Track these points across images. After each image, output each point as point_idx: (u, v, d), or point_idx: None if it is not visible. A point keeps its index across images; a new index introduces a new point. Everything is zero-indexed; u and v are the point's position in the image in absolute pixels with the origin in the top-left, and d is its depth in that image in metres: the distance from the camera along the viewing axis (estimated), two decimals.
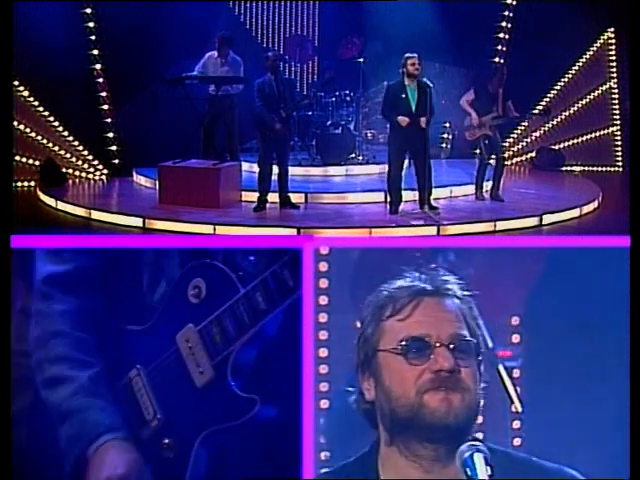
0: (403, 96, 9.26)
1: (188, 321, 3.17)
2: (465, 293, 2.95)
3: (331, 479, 3.03)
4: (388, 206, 9.71)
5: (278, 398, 3.28)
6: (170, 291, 3.23)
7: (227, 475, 3.24)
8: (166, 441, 3.14)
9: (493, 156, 10.51)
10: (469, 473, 2.70)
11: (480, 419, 2.94)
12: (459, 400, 2.82)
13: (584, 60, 13.65)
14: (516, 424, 3.36)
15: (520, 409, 3.36)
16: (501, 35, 13.34)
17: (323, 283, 3.32)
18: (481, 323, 2.95)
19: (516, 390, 3.37)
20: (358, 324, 3.37)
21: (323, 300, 3.33)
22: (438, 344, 2.84)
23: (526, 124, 13.65)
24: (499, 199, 10.48)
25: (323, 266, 3.31)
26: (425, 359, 2.84)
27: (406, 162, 9.96)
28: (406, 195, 9.71)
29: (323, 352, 3.33)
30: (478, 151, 10.47)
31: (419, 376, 2.83)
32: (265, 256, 3.17)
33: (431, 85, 9.31)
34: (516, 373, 3.36)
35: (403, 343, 2.86)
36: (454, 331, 2.87)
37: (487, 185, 10.64)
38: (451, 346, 2.84)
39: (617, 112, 13.78)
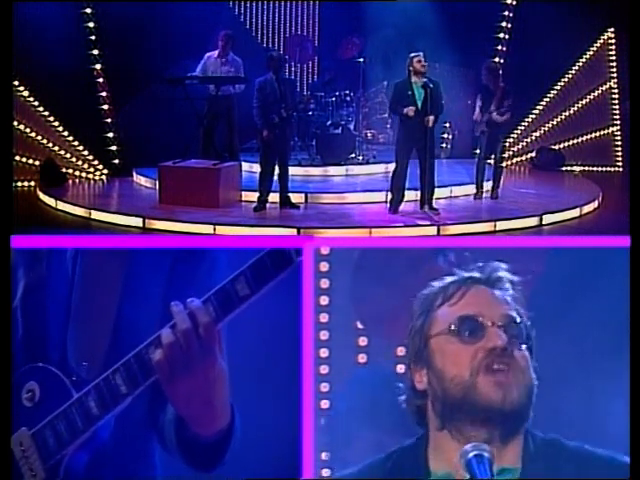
0: (410, 93, 9.29)
1: (22, 424, 3.14)
2: (515, 280, 2.95)
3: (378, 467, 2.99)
4: (388, 205, 9.72)
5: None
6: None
7: None
8: None
9: (491, 155, 10.54)
10: (472, 475, 2.70)
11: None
12: (513, 381, 2.81)
13: (584, 60, 13.66)
14: None
15: None
16: (501, 35, 13.35)
17: (324, 283, 3.32)
18: (525, 316, 2.95)
19: None
20: (359, 324, 3.38)
21: (324, 300, 3.32)
22: (490, 323, 2.85)
23: (526, 124, 13.65)
24: (497, 198, 10.51)
25: (324, 266, 3.31)
26: (479, 338, 2.84)
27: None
28: (406, 195, 9.71)
29: (324, 352, 3.33)
30: (484, 147, 10.52)
31: (473, 355, 2.83)
32: (99, 362, 3.12)
33: (435, 82, 9.34)
34: None
35: (457, 323, 2.87)
36: (505, 312, 2.87)
37: (487, 185, 10.66)
38: (503, 327, 2.84)
39: (617, 112, 13.78)
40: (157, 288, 3.18)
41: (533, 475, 2.84)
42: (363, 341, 3.38)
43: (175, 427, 3.10)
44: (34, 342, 3.23)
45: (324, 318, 3.33)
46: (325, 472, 3.30)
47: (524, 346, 2.88)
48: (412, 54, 9.41)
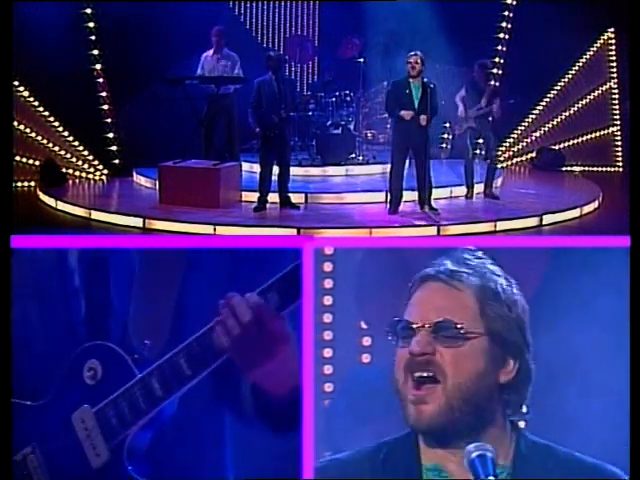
0: (407, 92, 9.29)
1: (84, 402, 3.15)
2: (474, 280, 2.90)
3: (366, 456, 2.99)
4: (388, 206, 9.72)
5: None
6: (65, 371, 3.20)
7: None
8: None
9: (483, 153, 10.55)
10: (475, 475, 2.70)
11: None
12: (432, 396, 2.81)
13: (584, 60, 13.66)
14: (521, 424, 3.35)
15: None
16: (501, 35, 13.34)
17: (328, 283, 3.32)
18: (522, 314, 2.91)
19: None
20: (363, 324, 3.38)
21: (327, 300, 3.32)
22: (419, 327, 2.85)
23: (526, 124, 13.65)
24: (494, 197, 10.51)
25: (328, 266, 3.31)
26: (409, 343, 2.86)
27: (407, 162, 9.96)
28: (406, 195, 9.71)
29: (328, 352, 3.33)
30: (470, 146, 10.50)
31: (402, 359, 2.87)
32: (160, 343, 3.15)
33: (434, 84, 9.35)
34: None
35: (398, 327, 2.89)
36: (442, 316, 2.85)
37: (479, 187, 10.65)
38: (432, 330, 2.83)
39: (617, 112, 13.78)
40: (219, 277, 3.21)
41: (523, 476, 2.84)
42: (367, 341, 3.38)
43: (252, 396, 3.14)
44: (96, 320, 3.26)
45: (328, 318, 3.33)
46: None
47: (457, 345, 2.83)
48: (410, 54, 9.42)
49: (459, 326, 2.85)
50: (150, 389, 3.05)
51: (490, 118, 10.48)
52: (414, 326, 2.87)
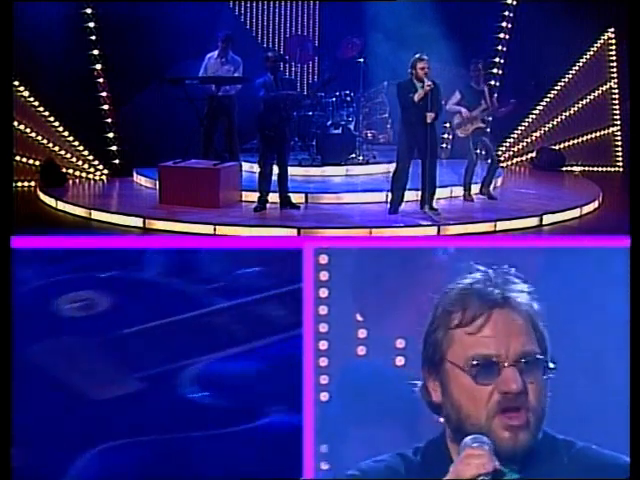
0: (411, 95, 9.27)
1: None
2: (535, 305, 2.91)
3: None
4: (388, 205, 9.71)
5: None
6: None
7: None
8: None
9: (484, 154, 10.54)
10: None
11: None
12: (524, 425, 2.82)
13: (584, 60, 13.65)
14: None
15: None
16: (501, 35, 13.34)
17: (323, 276, 3.32)
18: (545, 332, 2.91)
19: None
20: (358, 317, 3.38)
21: (323, 293, 3.33)
22: (506, 364, 2.83)
23: (526, 124, 13.65)
24: (490, 196, 10.50)
25: (323, 259, 3.32)
26: (493, 379, 2.83)
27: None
28: (406, 195, 9.70)
29: (323, 345, 3.34)
30: (472, 147, 10.47)
31: (488, 397, 2.83)
32: None
33: (437, 83, 9.34)
34: None
35: (473, 362, 2.84)
36: (523, 348, 2.84)
37: (475, 188, 10.64)
38: (519, 364, 2.83)
39: (617, 112, 13.77)
40: None
41: (537, 473, 2.85)
42: (362, 333, 3.39)
43: None
44: None
45: (323, 310, 3.34)
46: (324, 465, 3.31)
47: (541, 377, 2.86)
48: (417, 56, 9.37)
49: (540, 357, 2.86)
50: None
51: (490, 118, 10.49)
52: (501, 362, 2.83)
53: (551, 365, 2.88)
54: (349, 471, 2.96)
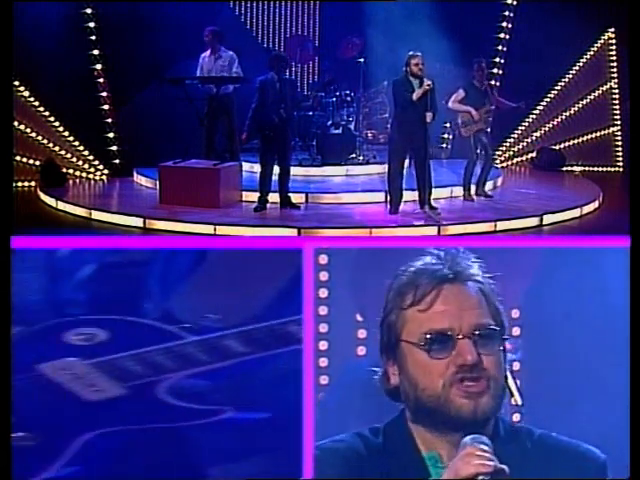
0: (408, 93, 9.27)
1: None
2: (487, 276, 2.93)
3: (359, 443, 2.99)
4: (388, 206, 9.72)
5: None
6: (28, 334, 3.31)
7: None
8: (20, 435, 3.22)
9: (483, 153, 10.54)
10: None
11: None
12: (484, 392, 2.83)
13: (584, 60, 13.65)
14: (516, 417, 3.37)
15: (520, 402, 3.37)
16: (501, 35, 13.35)
17: (323, 276, 3.33)
18: (501, 307, 2.92)
19: (516, 383, 3.37)
20: (359, 317, 3.38)
21: (323, 293, 3.33)
22: (460, 336, 2.84)
23: (526, 124, 13.66)
24: (486, 195, 10.50)
25: (323, 259, 3.32)
26: (448, 352, 2.84)
27: (406, 162, 9.95)
28: (406, 195, 9.71)
29: (323, 345, 3.34)
30: (473, 147, 10.45)
31: (444, 370, 2.84)
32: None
33: (433, 81, 9.33)
34: (516, 366, 3.37)
35: (426, 337, 2.86)
36: (476, 320, 2.86)
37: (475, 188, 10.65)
38: (474, 336, 2.84)
39: (617, 112, 13.78)
40: None
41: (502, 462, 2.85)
42: (362, 333, 3.39)
43: None
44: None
45: (323, 311, 3.34)
46: None
47: (497, 349, 2.87)
48: (410, 53, 9.38)
49: (494, 329, 2.87)
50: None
51: (490, 118, 10.48)
52: (455, 335, 2.85)
53: (506, 337, 2.90)
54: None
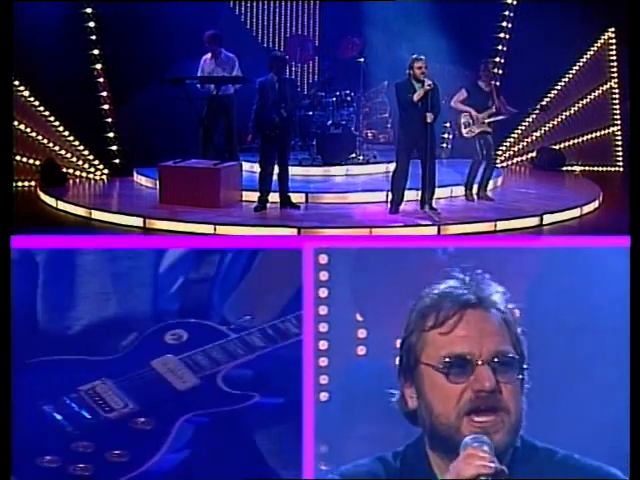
0: (410, 94, 9.27)
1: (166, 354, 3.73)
2: (510, 306, 2.92)
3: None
4: (389, 205, 9.72)
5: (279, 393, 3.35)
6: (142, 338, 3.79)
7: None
8: (141, 420, 3.56)
9: (485, 154, 10.52)
10: None
11: None
12: (499, 429, 2.82)
13: (584, 60, 13.65)
14: None
15: None
16: (501, 35, 13.34)
17: (323, 276, 3.33)
18: (522, 337, 2.92)
19: None
20: (358, 317, 3.38)
21: (323, 293, 3.33)
22: (480, 362, 2.83)
23: (526, 124, 13.65)
24: (487, 198, 10.49)
25: (323, 259, 3.32)
26: (466, 377, 2.84)
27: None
28: (406, 195, 9.71)
29: (323, 345, 3.34)
30: (478, 149, 10.43)
31: (460, 395, 2.84)
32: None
33: (435, 83, 9.33)
34: None
35: (446, 360, 2.85)
36: (497, 347, 2.85)
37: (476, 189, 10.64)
38: (493, 363, 2.83)
39: (617, 112, 13.77)
40: None
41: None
42: (362, 333, 3.40)
43: None
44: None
45: (323, 310, 3.35)
46: (324, 467, 3.31)
47: (516, 378, 2.86)
48: (414, 57, 9.37)
49: (514, 358, 2.86)
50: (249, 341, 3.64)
51: (495, 120, 10.41)
52: (474, 361, 2.84)
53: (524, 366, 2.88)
54: (329, 475, 2.98)
